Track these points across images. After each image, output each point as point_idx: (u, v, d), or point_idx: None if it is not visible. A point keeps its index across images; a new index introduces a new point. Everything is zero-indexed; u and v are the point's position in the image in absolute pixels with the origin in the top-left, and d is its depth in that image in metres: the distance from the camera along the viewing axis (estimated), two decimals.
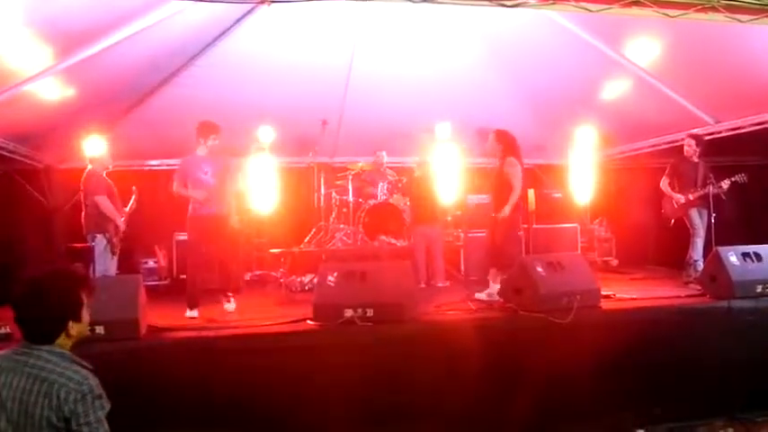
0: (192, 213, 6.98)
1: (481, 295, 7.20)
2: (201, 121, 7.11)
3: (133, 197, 7.93)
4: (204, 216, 6.93)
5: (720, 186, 7.94)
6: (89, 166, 7.57)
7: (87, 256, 7.39)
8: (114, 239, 7.43)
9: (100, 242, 7.35)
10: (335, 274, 6.16)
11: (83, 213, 7.51)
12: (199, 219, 6.94)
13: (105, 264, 7.36)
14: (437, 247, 9.14)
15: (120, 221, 7.53)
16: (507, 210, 7.21)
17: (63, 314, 2.55)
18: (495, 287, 7.14)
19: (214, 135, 7.00)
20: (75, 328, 2.58)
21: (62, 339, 2.54)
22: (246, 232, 10.05)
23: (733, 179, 7.93)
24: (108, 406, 2.48)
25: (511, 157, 7.38)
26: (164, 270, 9.82)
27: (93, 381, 2.47)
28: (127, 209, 7.80)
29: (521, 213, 7.84)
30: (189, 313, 6.78)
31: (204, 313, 6.80)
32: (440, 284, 8.87)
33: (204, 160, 7.03)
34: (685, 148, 8.36)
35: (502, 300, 6.72)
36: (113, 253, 7.46)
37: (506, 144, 7.48)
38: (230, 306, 7.08)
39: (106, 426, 2.46)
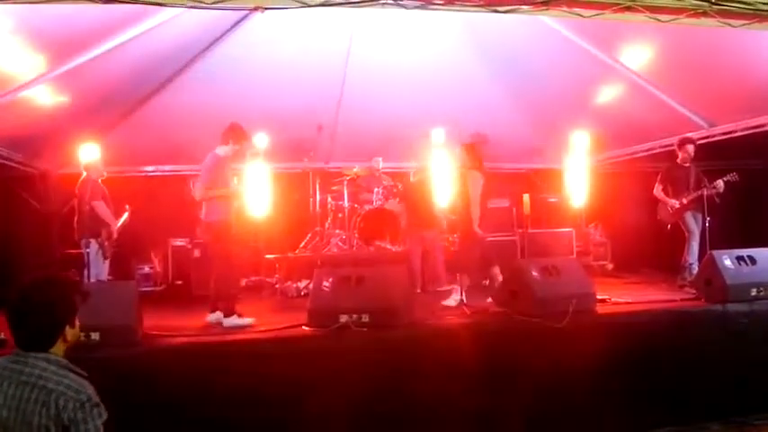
0: (225, 217, 6.67)
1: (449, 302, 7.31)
2: (236, 124, 6.79)
3: (125, 215, 7.97)
4: (233, 221, 6.81)
5: (715, 187, 7.98)
6: (84, 173, 7.60)
7: (81, 261, 7.42)
8: (106, 243, 7.47)
9: (93, 247, 7.39)
10: (331, 280, 6.15)
11: (75, 219, 7.55)
12: (231, 224, 6.75)
13: (98, 268, 7.39)
14: (437, 251, 9.13)
15: (116, 227, 7.58)
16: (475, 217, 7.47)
17: (60, 320, 2.54)
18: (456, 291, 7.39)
19: (245, 143, 6.87)
20: (70, 334, 2.57)
21: (58, 345, 2.54)
22: (242, 238, 10.05)
23: (725, 179, 7.97)
24: (105, 415, 2.47)
25: (474, 171, 7.59)
26: (159, 276, 9.82)
27: (90, 389, 2.46)
28: (119, 223, 7.83)
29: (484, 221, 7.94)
30: (238, 320, 6.43)
31: (203, 318, 6.77)
32: (443, 288, 8.84)
33: (229, 163, 6.83)
34: (683, 154, 8.34)
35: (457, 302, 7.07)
36: (105, 257, 7.50)
37: (473, 157, 7.66)
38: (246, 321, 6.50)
39: None
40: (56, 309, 2.54)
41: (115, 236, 7.65)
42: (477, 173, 7.56)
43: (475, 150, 7.70)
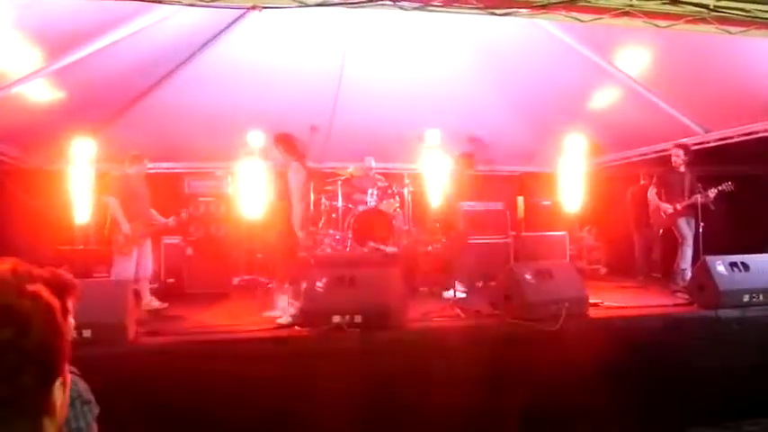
0: None
1: (274, 312, 6.77)
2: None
3: (171, 219, 8.15)
4: None
5: (707, 195, 8.00)
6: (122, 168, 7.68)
7: (76, 258, 7.39)
8: (120, 239, 7.45)
9: (115, 243, 7.41)
10: (324, 280, 6.14)
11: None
12: None
13: (123, 264, 7.36)
14: None
15: (126, 227, 7.47)
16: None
17: None
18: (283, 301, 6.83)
19: None
20: None
21: None
22: (236, 237, 10.03)
23: (720, 188, 7.99)
24: (97, 410, 2.45)
25: (294, 163, 7.20)
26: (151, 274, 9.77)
27: (82, 385, 2.42)
28: (164, 219, 8.06)
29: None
30: None
31: (195, 317, 6.74)
32: None
33: None
34: (673, 158, 8.41)
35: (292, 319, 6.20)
36: (121, 254, 7.44)
37: (289, 149, 7.32)
38: None
39: (96, 431, 2.43)
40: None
41: (127, 232, 7.48)
42: (297, 164, 7.11)
43: (289, 141, 7.30)
